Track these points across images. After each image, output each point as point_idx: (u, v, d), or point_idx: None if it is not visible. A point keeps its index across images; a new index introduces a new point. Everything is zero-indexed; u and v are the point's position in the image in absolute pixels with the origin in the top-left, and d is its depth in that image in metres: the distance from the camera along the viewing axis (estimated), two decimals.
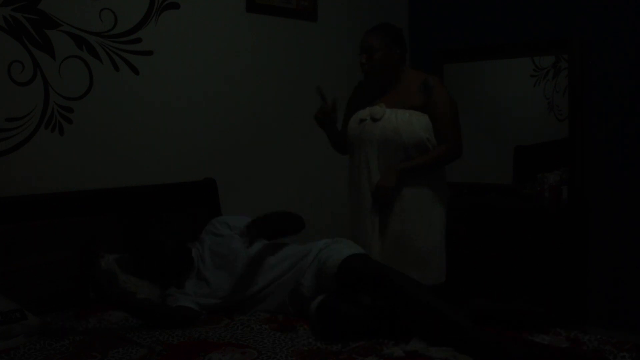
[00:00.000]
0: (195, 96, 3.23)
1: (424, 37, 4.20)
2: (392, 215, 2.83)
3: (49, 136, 2.74)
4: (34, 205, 2.62)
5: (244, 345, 2.04)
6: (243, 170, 3.44)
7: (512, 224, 3.58)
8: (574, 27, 3.58)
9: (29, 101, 2.68)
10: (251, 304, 2.46)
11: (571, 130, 3.58)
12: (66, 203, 2.70)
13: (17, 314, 2.20)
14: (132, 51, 2.98)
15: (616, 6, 3.45)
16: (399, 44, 2.84)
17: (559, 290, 3.43)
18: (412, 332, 2.03)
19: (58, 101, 2.76)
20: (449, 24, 4.10)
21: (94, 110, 2.87)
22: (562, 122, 3.68)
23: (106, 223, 2.78)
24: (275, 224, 2.54)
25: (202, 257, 2.60)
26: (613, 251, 3.51)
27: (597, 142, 3.55)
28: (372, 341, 2.04)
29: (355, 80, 3.03)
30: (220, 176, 3.24)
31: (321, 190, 3.76)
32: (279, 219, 2.55)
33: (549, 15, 3.69)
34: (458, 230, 3.21)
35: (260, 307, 2.45)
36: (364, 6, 3.99)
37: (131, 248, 2.57)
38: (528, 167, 3.85)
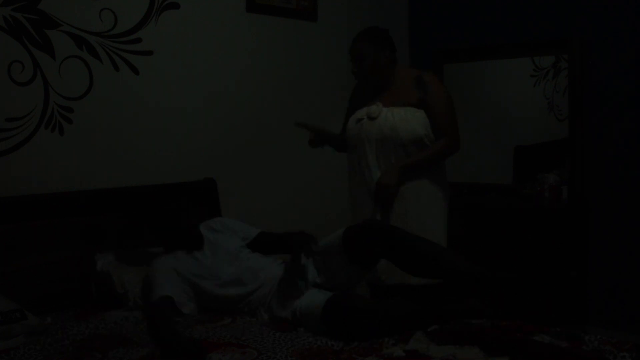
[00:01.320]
0: (195, 96, 3.23)
1: (424, 37, 4.20)
2: (394, 213, 2.83)
3: (49, 136, 2.74)
4: (34, 205, 2.62)
5: (244, 345, 2.04)
6: (243, 170, 3.44)
7: (512, 224, 3.58)
8: (574, 27, 3.58)
9: (29, 101, 2.68)
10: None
11: (571, 130, 3.58)
12: (66, 203, 2.70)
13: (17, 314, 2.20)
14: (132, 51, 2.98)
15: (616, 6, 3.45)
16: (386, 46, 2.84)
17: (559, 290, 3.43)
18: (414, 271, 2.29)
19: (58, 101, 2.76)
20: (449, 24, 4.10)
21: (94, 110, 2.87)
22: (562, 122, 3.68)
23: (106, 223, 2.78)
24: (284, 240, 2.58)
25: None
26: (613, 251, 3.51)
27: (597, 142, 3.55)
28: (372, 341, 2.04)
29: (354, 80, 3.03)
30: (220, 176, 3.24)
31: (321, 189, 3.76)
32: (287, 237, 2.56)
33: (549, 15, 3.69)
34: (458, 230, 3.20)
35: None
36: (364, 6, 3.99)
37: (150, 216, 2.62)
38: (528, 167, 3.85)
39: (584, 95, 3.56)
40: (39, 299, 2.49)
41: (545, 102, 3.79)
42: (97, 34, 2.86)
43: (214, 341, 2.09)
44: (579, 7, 3.57)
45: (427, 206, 2.84)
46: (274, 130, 3.57)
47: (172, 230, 2.58)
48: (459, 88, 3.77)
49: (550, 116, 3.78)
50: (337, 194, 3.58)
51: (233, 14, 3.37)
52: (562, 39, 3.59)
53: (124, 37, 2.95)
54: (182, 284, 2.44)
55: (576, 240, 3.50)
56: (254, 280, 2.45)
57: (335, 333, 2.11)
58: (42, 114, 2.71)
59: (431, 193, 2.86)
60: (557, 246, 3.43)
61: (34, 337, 2.18)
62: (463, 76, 4.04)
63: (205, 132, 3.27)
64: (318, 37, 3.77)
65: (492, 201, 3.80)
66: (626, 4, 3.41)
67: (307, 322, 2.24)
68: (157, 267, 2.48)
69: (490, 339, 1.95)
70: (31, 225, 2.59)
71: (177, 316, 2.34)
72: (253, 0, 3.42)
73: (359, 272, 2.46)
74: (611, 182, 3.52)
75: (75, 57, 2.80)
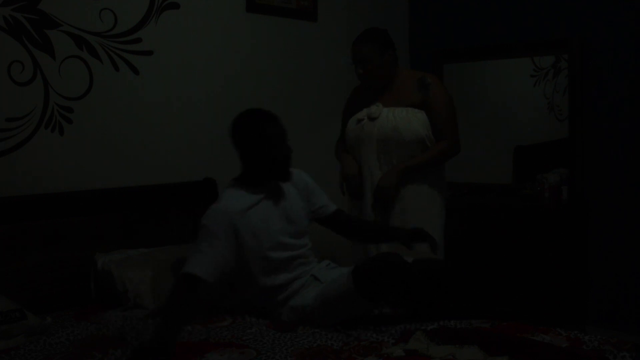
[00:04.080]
0: (195, 96, 3.24)
1: (424, 37, 4.20)
2: (393, 214, 2.83)
3: (49, 136, 2.74)
4: (34, 205, 2.63)
5: (243, 345, 2.04)
6: None
7: (512, 224, 3.58)
8: (574, 27, 3.58)
9: (29, 101, 2.68)
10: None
11: (571, 130, 3.58)
12: (66, 203, 2.70)
13: (17, 314, 2.20)
14: (132, 51, 2.98)
15: (616, 6, 3.45)
16: (389, 46, 2.85)
17: (559, 290, 3.43)
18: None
19: (58, 101, 2.76)
20: (449, 24, 4.10)
21: (94, 110, 2.87)
22: (562, 122, 3.68)
23: (106, 223, 2.79)
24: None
25: None
26: (613, 251, 3.51)
27: (597, 142, 3.55)
28: (372, 340, 2.05)
29: (354, 80, 3.03)
30: (220, 176, 3.23)
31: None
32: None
33: (549, 15, 3.69)
34: (458, 230, 3.21)
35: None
36: (364, 6, 3.99)
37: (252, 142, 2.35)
38: (528, 167, 3.85)
39: (584, 95, 3.56)
40: (39, 299, 2.50)
41: (545, 102, 3.79)
42: (97, 34, 2.86)
43: (214, 341, 2.09)
44: (579, 7, 3.57)
45: (425, 206, 2.84)
46: None
47: (271, 151, 2.33)
48: (459, 88, 3.77)
49: (550, 116, 3.78)
50: (337, 195, 3.57)
51: (233, 14, 3.37)
52: (562, 39, 3.59)
53: (124, 37, 2.95)
54: (224, 252, 2.23)
55: (576, 240, 3.50)
56: (297, 267, 2.41)
57: (368, 290, 2.17)
58: (42, 114, 2.71)
59: (430, 193, 2.86)
60: (557, 246, 3.43)
61: (34, 337, 2.18)
62: (463, 76, 4.04)
63: (205, 132, 3.27)
64: (318, 37, 3.77)
65: (492, 201, 3.80)
66: (626, 4, 3.41)
67: (327, 300, 2.24)
68: (214, 217, 2.25)
69: (490, 339, 1.95)
70: (31, 225, 2.59)
71: (193, 300, 2.13)
72: (253, 0, 3.42)
73: (369, 306, 2.33)
74: (611, 182, 3.52)
75: (75, 57, 2.80)
